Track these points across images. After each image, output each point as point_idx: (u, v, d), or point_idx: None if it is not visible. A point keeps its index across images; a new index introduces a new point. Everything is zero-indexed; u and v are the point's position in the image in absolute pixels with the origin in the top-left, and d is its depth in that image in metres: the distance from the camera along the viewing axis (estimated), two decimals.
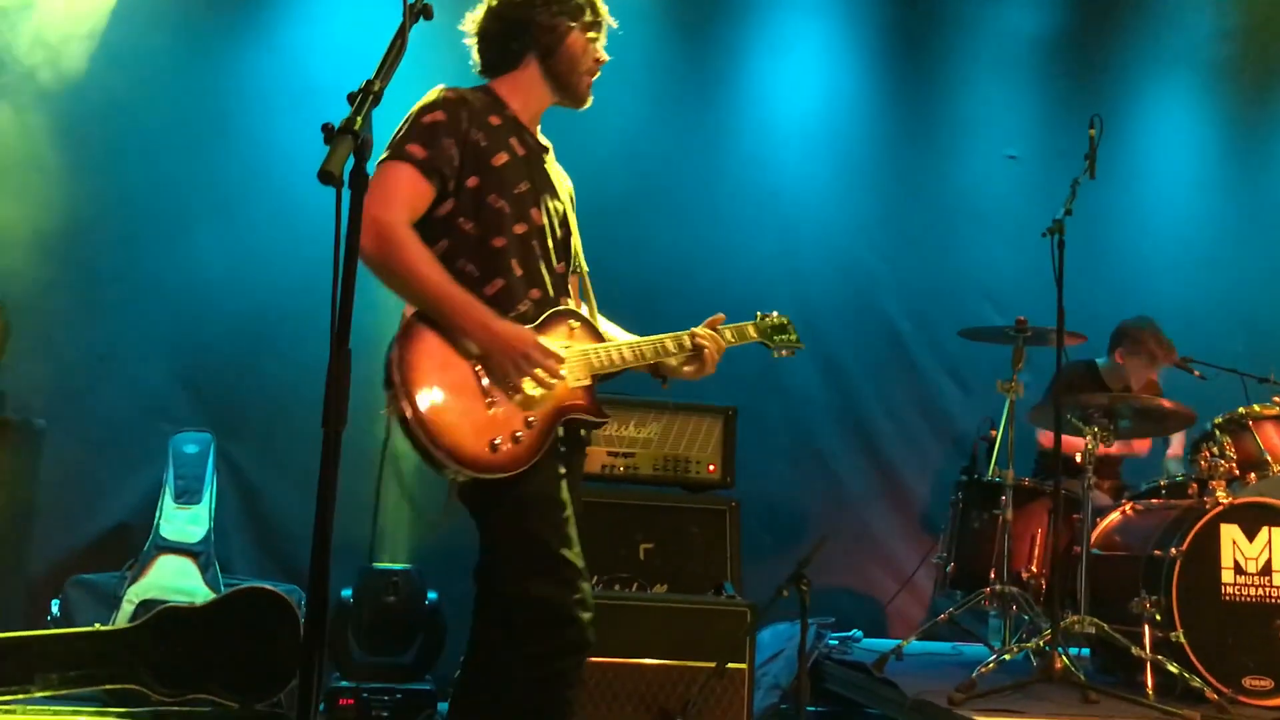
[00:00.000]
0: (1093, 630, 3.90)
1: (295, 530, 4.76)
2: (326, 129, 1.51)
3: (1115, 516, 4.40)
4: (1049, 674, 3.69)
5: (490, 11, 2.54)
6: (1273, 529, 3.91)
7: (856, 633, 5.17)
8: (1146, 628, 3.82)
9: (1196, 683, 3.67)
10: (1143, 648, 3.78)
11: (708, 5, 5.85)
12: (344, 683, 4.03)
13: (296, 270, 4.78)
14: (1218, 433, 4.30)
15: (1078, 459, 4.15)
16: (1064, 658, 3.70)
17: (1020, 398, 4.46)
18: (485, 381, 2.31)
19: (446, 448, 2.21)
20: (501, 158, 2.42)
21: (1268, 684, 3.79)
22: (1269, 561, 3.89)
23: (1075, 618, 3.92)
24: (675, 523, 3.98)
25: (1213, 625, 3.82)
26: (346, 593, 4.23)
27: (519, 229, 2.44)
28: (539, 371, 2.35)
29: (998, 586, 4.31)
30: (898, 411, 5.83)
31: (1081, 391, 4.73)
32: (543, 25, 2.49)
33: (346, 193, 1.52)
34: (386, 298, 2.36)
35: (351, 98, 1.57)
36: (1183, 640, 3.76)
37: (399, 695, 4.00)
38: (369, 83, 1.60)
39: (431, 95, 2.42)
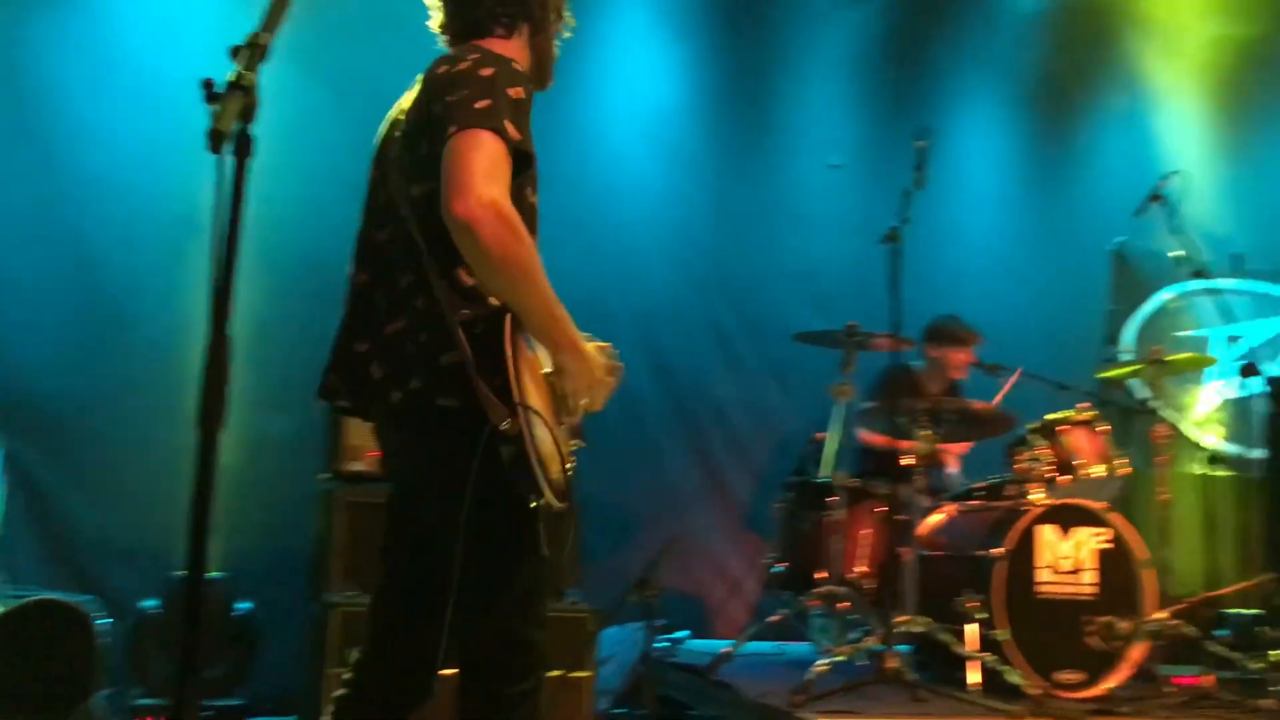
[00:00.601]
0: (921, 630, 3.99)
1: (90, 537, 4.41)
2: (208, 85, 1.32)
3: (939, 517, 4.54)
4: (882, 674, 3.75)
5: None
6: (1083, 529, 4.10)
7: (684, 634, 5.16)
8: (971, 627, 3.94)
9: (1017, 678, 3.81)
10: (965, 644, 3.90)
11: None
12: (147, 700, 3.72)
13: (87, 263, 4.43)
14: (1031, 437, 4.47)
15: (903, 461, 4.25)
16: (897, 657, 3.77)
17: (851, 401, 4.53)
18: (552, 402, 2.15)
19: (550, 475, 1.99)
20: (531, 146, 2.19)
21: (1080, 677, 3.97)
22: (1080, 561, 4.08)
23: (905, 617, 4.01)
24: (375, 519, 3.82)
25: (1030, 622, 3.96)
26: (151, 603, 3.91)
27: (534, 226, 2.24)
28: (601, 396, 2.23)
29: (827, 587, 4.36)
30: (726, 413, 5.88)
31: (904, 394, 4.86)
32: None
33: (232, 159, 1.32)
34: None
35: (236, 51, 1.38)
36: (1005, 638, 3.88)
37: (209, 712, 3.73)
38: (255, 35, 1.41)
39: (505, 63, 2.16)
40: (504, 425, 1.91)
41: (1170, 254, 5.93)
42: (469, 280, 2.07)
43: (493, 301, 2.06)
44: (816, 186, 6.19)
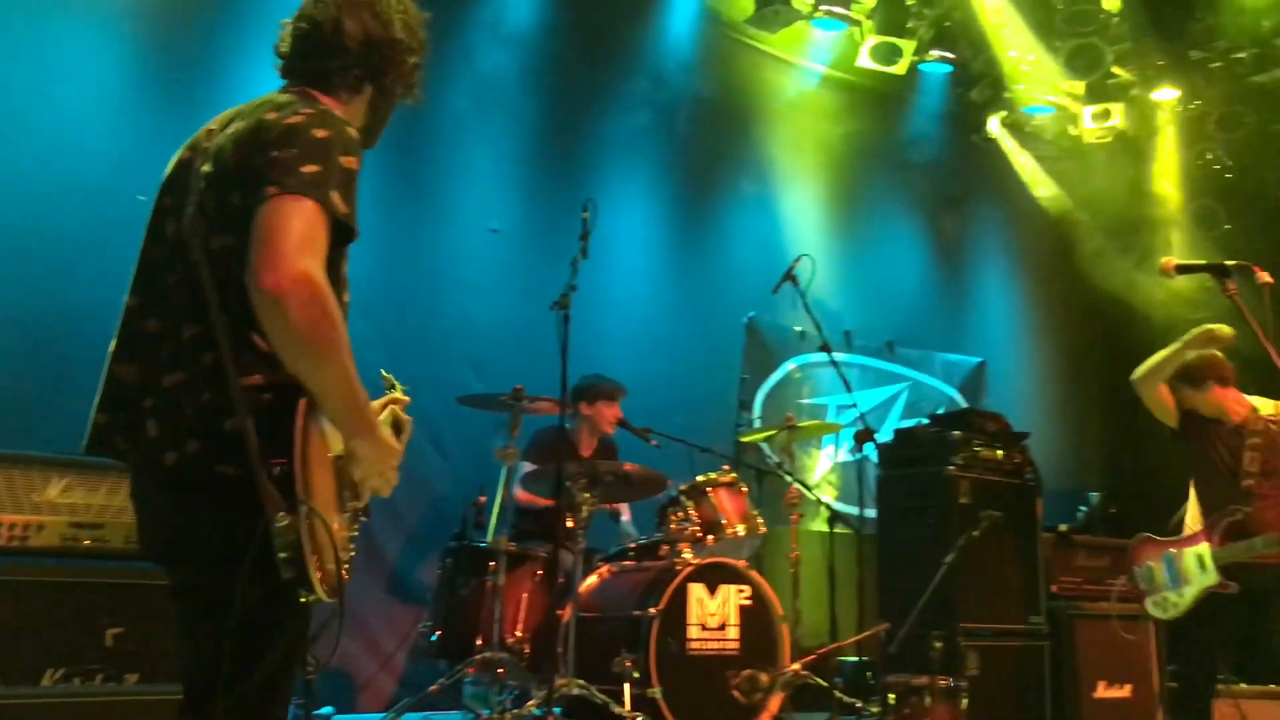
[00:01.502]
0: (578, 691, 4.04)
1: None
2: None
3: (593, 579, 4.62)
4: None
5: (361, 24, 2.16)
6: (728, 586, 4.34)
7: (327, 710, 4.91)
8: (626, 686, 4.03)
9: None
10: (622, 705, 3.99)
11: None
12: None
13: None
14: (682, 498, 4.69)
15: (569, 523, 4.31)
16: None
17: (516, 464, 4.55)
18: (338, 488, 1.97)
19: (324, 566, 1.83)
20: (355, 220, 2.00)
21: None
22: (726, 617, 4.30)
23: (562, 680, 4.04)
24: (151, 602, 3.49)
25: (682, 679, 4.12)
26: None
27: (346, 298, 2.08)
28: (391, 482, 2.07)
29: (486, 653, 4.32)
30: None
31: (561, 456, 4.95)
32: (399, 68, 2.21)
33: None
34: None
35: None
36: (658, 696, 4.00)
37: None
38: None
39: (342, 126, 1.97)
40: (281, 523, 1.79)
41: (796, 328, 6.45)
42: (263, 344, 1.91)
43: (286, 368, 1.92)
44: (478, 251, 6.22)
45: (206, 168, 2.02)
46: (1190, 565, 4.71)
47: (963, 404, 7.78)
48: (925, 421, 6.02)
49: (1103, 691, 5.60)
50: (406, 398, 2.37)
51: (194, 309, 1.95)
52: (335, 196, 1.91)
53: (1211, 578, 4.60)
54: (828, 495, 7.13)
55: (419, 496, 5.75)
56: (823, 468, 7.24)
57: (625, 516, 5.71)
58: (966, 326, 8.36)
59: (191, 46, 5.36)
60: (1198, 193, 8.50)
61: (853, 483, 7.03)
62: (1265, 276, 3.14)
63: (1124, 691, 5.67)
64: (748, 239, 7.23)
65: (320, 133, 1.96)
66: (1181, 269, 3.28)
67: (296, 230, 1.84)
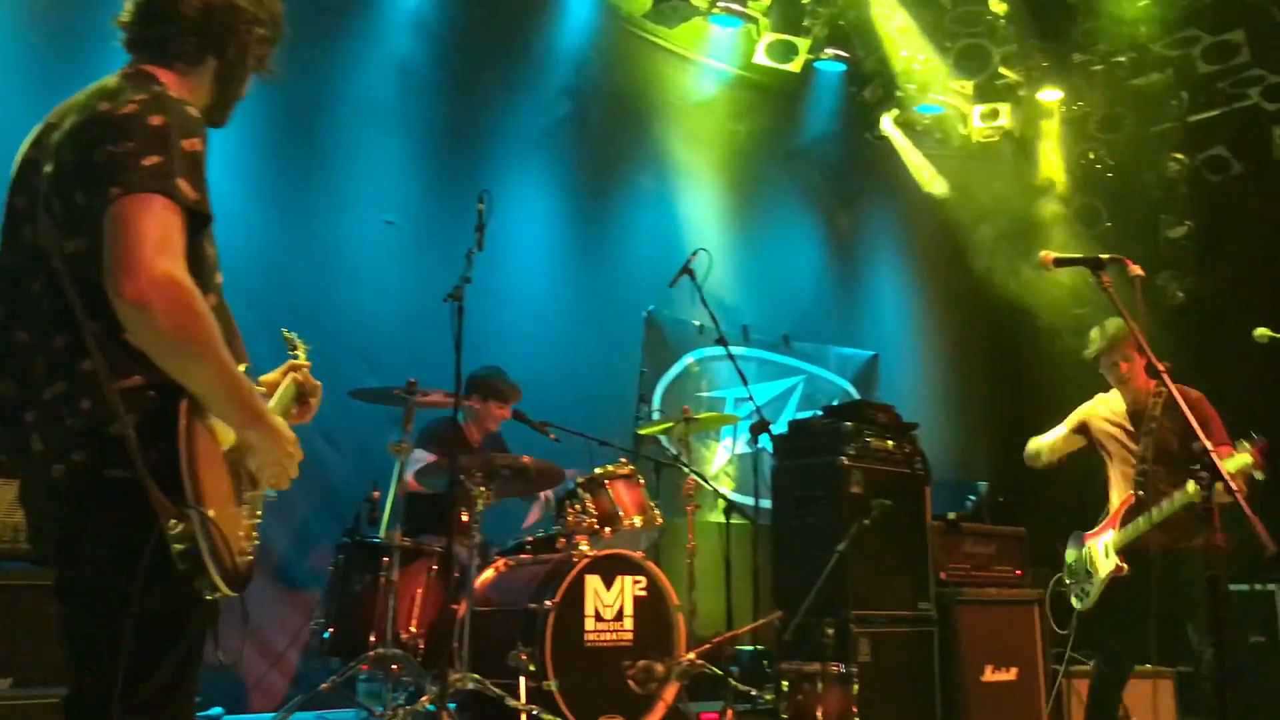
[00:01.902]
0: (473, 686, 4.01)
1: None
2: None
3: (489, 573, 4.60)
4: None
5: None
6: (626, 578, 4.35)
7: (217, 710, 4.80)
8: (522, 679, 4.02)
9: None
10: (518, 699, 3.97)
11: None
12: None
13: None
14: (580, 491, 4.69)
15: (464, 517, 4.28)
16: (450, 716, 3.75)
17: (410, 458, 4.49)
18: (234, 481, 1.93)
19: (224, 563, 1.81)
20: (208, 204, 1.95)
21: None
22: (622, 608, 4.32)
23: (457, 675, 4.01)
24: (24, 604, 3.37)
25: (578, 671, 4.12)
26: None
27: (218, 279, 2.04)
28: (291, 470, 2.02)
29: (380, 650, 4.26)
30: None
31: (453, 448, 4.91)
32: (241, 37, 2.14)
33: None
34: None
35: None
36: (553, 688, 4.00)
37: None
38: None
39: (179, 108, 1.90)
40: (174, 529, 1.77)
41: (695, 322, 6.49)
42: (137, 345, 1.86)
43: None
44: (373, 243, 6.13)
45: (49, 168, 1.96)
46: (1097, 554, 4.89)
47: (856, 396, 7.92)
48: (819, 414, 6.11)
49: (990, 675, 5.76)
50: (307, 361, 2.34)
51: (62, 317, 1.89)
52: (183, 185, 1.87)
53: (1112, 562, 4.78)
54: (725, 487, 7.20)
55: (311, 491, 5.64)
56: (721, 460, 7.31)
57: (534, 516, 5.70)
58: (860, 320, 8.53)
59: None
60: (1080, 191, 8.79)
61: (749, 474, 7.12)
62: (1136, 269, 3.28)
63: (1010, 674, 5.85)
64: (647, 234, 7.25)
65: (156, 119, 1.90)
66: (1059, 262, 3.40)
67: (150, 231, 1.80)
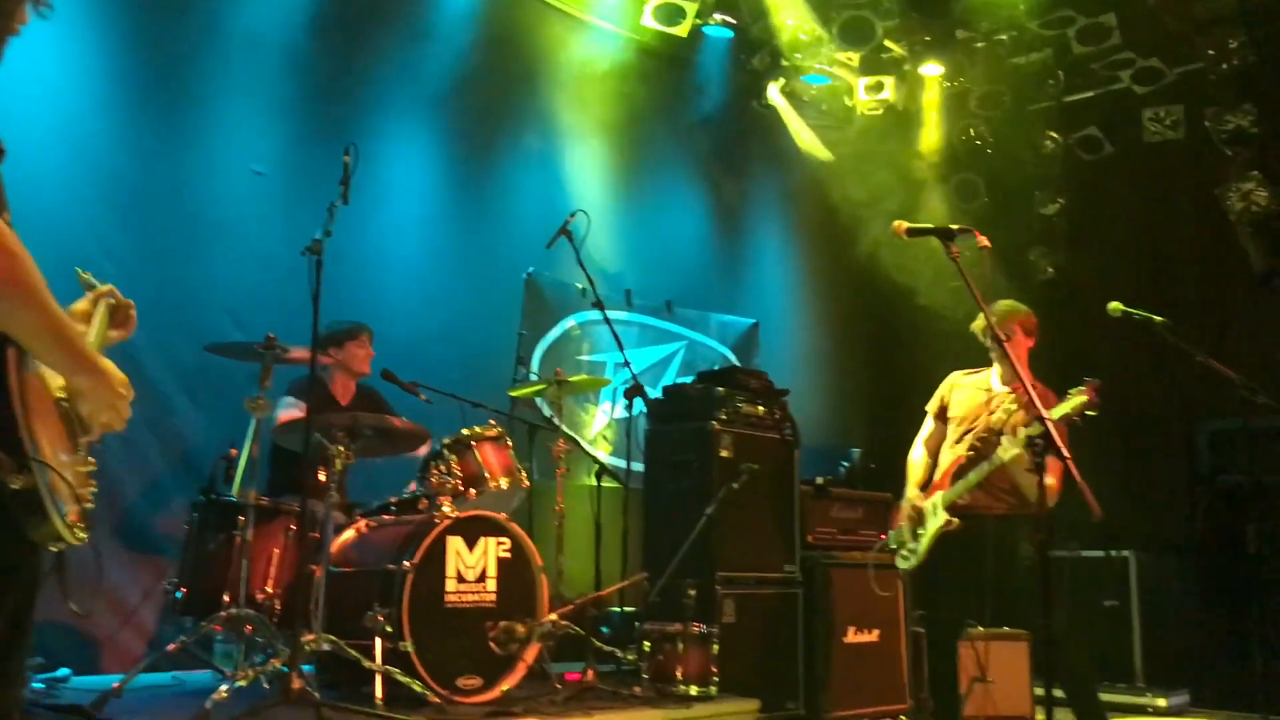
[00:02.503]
0: (328, 647, 3.96)
1: None
2: None
3: (350, 534, 4.54)
4: (286, 695, 3.66)
5: None
6: (489, 539, 4.33)
7: (65, 671, 4.66)
8: (378, 640, 3.98)
9: (419, 688, 3.91)
10: (373, 659, 3.93)
11: None
12: None
13: None
14: (446, 452, 4.65)
15: (322, 478, 4.21)
16: (301, 678, 3.70)
17: (267, 416, 4.39)
18: (67, 428, 1.86)
19: (66, 513, 1.77)
20: None
21: (478, 682, 4.17)
22: (485, 569, 4.30)
23: (311, 636, 3.95)
24: None
25: (438, 632, 4.09)
26: None
27: (6, 216, 1.89)
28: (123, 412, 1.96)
29: (233, 610, 4.18)
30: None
31: (318, 406, 4.83)
32: None
33: None
34: None
35: None
36: (410, 649, 3.97)
37: None
38: None
39: None
40: (15, 484, 1.73)
41: (577, 285, 6.46)
42: None
43: None
44: (240, 195, 5.94)
45: None
46: (927, 512, 5.02)
47: (736, 363, 8.00)
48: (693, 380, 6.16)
49: (852, 636, 5.91)
50: (109, 285, 2.26)
51: None
52: None
53: (940, 518, 4.91)
54: (603, 451, 7.22)
55: (170, 448, 5.50)
56: (600, 423, 7.32)
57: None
58: (742, 288, 8.59)
59: None
60: (960, 166, 8.97)
61: (626, 438, 7.15)
62: (984, 241, 3.36)
63: (872, 636, 6.00)
64: (530, 194, 7.17)
65: None
66: (911, 232, 3.46)
67: None
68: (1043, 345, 8.66)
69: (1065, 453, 3.30)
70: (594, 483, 5.63)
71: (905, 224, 3.43)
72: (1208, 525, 7.66)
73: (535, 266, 6.96)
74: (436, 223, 6.86)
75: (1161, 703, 7.07)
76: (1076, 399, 4.46)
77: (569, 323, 7.23)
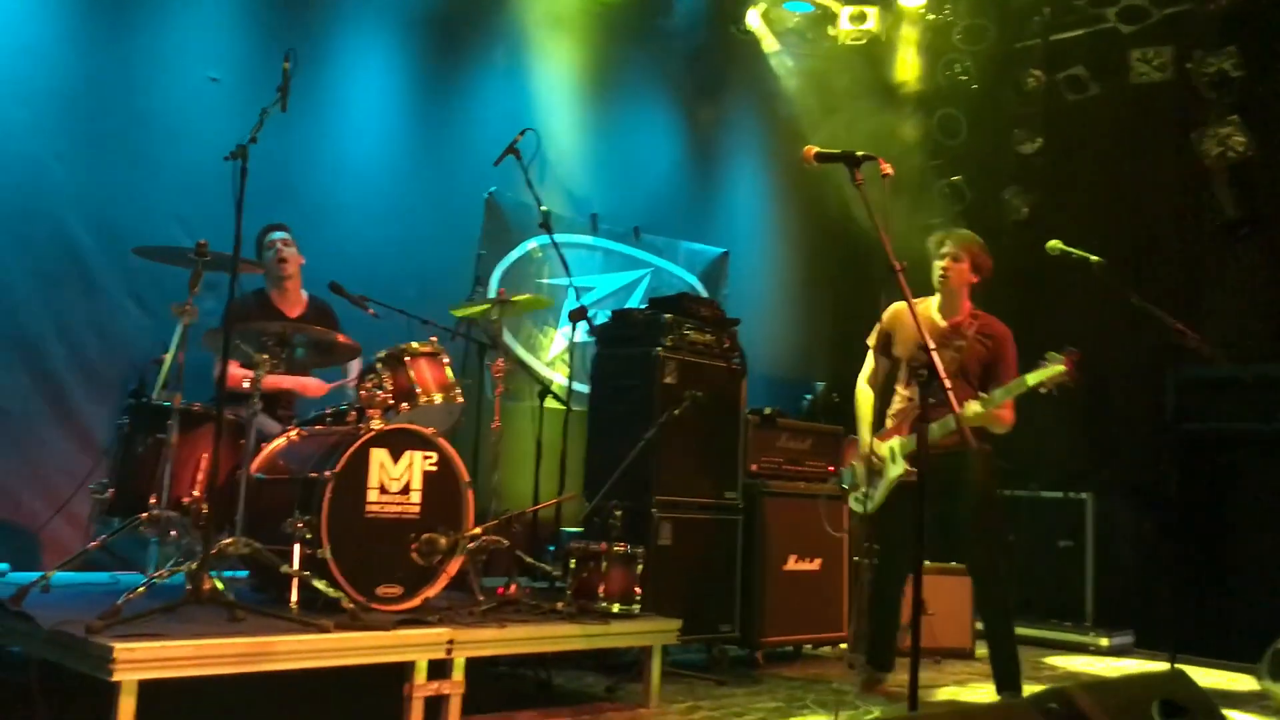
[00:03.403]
0: (247, 551, 4.02)
1: None
2: None
3: (280, 442, 4.59)
4: (198, 596, 3.72)
5: None
6: (414, 453, 4.36)
7: (3, 566, 4.77)
8: (297, 546, 4.03)
9: (335, 594, 3.97)
10: (291, 565, 3.99)
11: None
12: None
13: None
14: (379, 366, 4.67)
15: (245, 386, 4.24)
16: (214, 579, 3.76)
17: (195, 321, 4.40)
18: None
19: None
20: None
21: (398, 591, 4.23)
22: (409, 482, 4.33)
23: (230, 540, 4.01)
24: None
25: (356, 541, 4.14)
26: None
27: None
28: None
29: (155, 511, 4.24)
30: (72, 331, 5.44)
31: (255, 317, 4.85)
32: None
33: None
34: None
35: None
36: (327, 556, 4.02)
37: None
38: None
39: None
40: None
41: (541, 207, 6.40)
42: None
43: None
44: (194, 100, 5.89)
45: None
46: (886, 457, 5.04)
47: (703, 292, 7.98)
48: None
49: (793, 564, 5.99)
50: None
51: None
52: None
53: (900, 467, 4.94)
54: (561, 374, 7.24)
55: (118, 354, 5.54)
56: (558, 347, 7.33)
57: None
58: (712, 217, 8.52)
59: None
60: (942, 101, 8.85)
61: (581, 362, 7.17)
62: (887, 168, 3.34)
63: (814, 565, 6.09)
64: (495, 111, 7.06)
65: None
66: (819, 157, 3.45)
67: None
68: (1014, 287, 8.67)
69: (947, 383, 3.32)
70: (537, 403, 5.66)
71: (814, 149, 3.42)
72: (1170, 472, 7.70)
73: (497, 186, 6.91)
74: (398, 137, 6.80)
75: (1104, 642, 7.17)
76: (1053, 369, 4.45)
77: (530, 244, 7.19)
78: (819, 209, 8.52)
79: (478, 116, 7.03)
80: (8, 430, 5.18)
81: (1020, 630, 7.45)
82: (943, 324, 5.03)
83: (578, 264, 7.56)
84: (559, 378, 7.17)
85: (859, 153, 3.24)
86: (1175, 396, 7.66)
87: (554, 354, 7.30)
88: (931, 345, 3.42)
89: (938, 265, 5.03)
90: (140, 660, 3.26)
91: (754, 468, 6.01)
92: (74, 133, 5.46)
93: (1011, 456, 8.28)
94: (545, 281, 7.27)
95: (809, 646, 6.32)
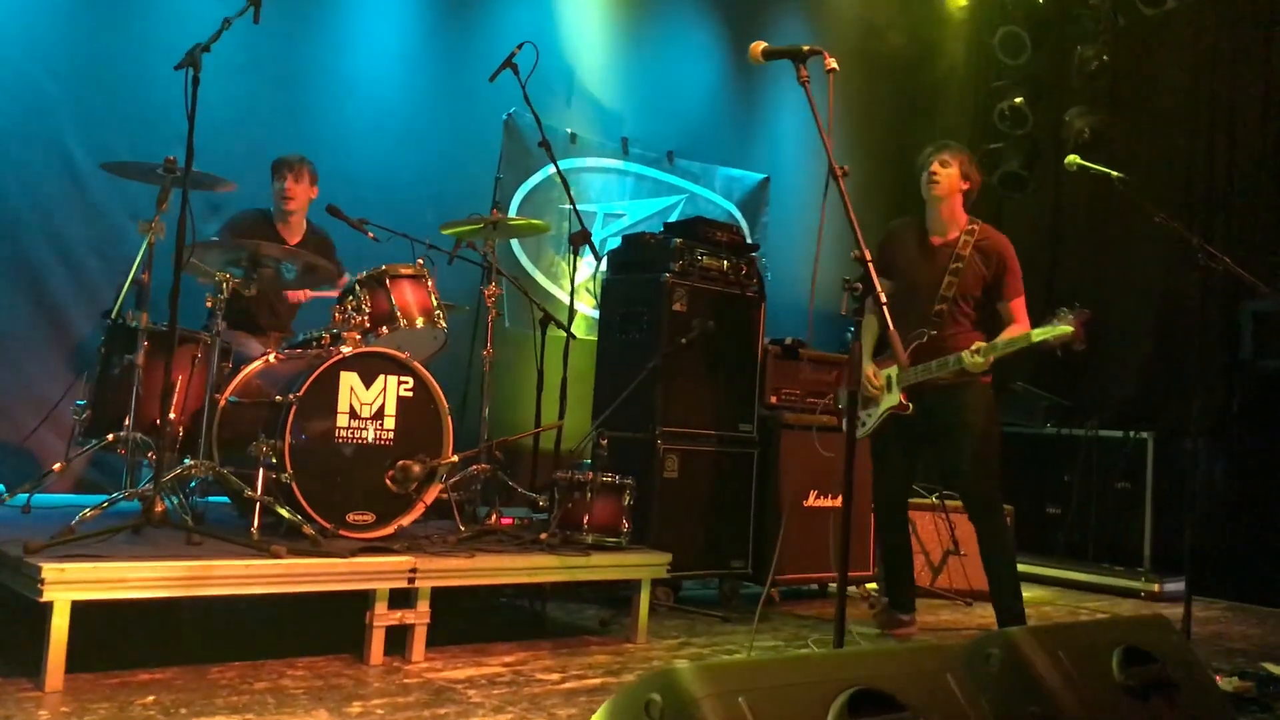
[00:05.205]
0: (210, 475, 3.93)
1: None
2: None
3: (258, 364, 4.48)
4: (148, 517, 3.64)
5: None
6: (389, 377, 4.21)
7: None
8: (262, 471, 3.93)
9: (296, 519, 3.86)
10: (255, 490, 3.89)
11: None
12: None
13: None
14: (358, 288, 4.52)
15: (208, 303, 4.14)
16: (165, 502, 3.67)
17: (161, 239, 4.29)
18: None
19: None
20: None
21: (369, 518, 4.11)
22: (382, 407, 4.19)
23: (194, 463, 3.93)
24: None
25: (324, 466, 4.02)
26: None
27: None
28: None
29: (131, 432, 4.17)
30: (72, 252, 5.41)
31: (251, 236, 4.75)
32: None
33: None
34: None
35: None
36: (290, 481, 3.91)
37: None
38: None
39: None
40: None
41: (567, 130, 6.17)
42: None
43: None
44: (195, 22, 5.73)
45: None
46: (881, 385, 4.79)
47: (741, 221, 7.67)
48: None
49: (814, 500, 5.74)
50: None
51: None
52: None
53: (894, 397, 4.70)
54: (586, 304, 7.03)
55: (119, 276, 5.46)
56: (583, 274, 7.11)
57: None
58: (753, 140, 8.15)
59: None
60: (1006, 19, 8.33)
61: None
62: (831, 63, 3.07)
63: (835, 502, 5.81)
64: (519, 29, 6.70)
65: None
66: (766, 54, 3.20)
67: None
68: (1075, 215, 8.15)
69: (882, 298, 3.12)
70: (537, 331, 5.46)
71: (762, 45, 3.16)
72: (1243, 411, 7.24)
73: (516, 107, 6.67)
74: (416, 57, 6.60)
75: (1155, 588, 6.80)
76: (1061, 329, 4.21)
77: (552, 168, 6.94)
78: (870, 133, 8.10)
79: (498, 31, 6.74)
80: (7, 352, 5.18)
81: (1070, 574, 7.21)
82: (920, 237, 4.80)
83: (606, 190, 7.32)
84: (584, 307, 6.96)
85: (805, 47, 2.98)
86: (1252, 332, 7.18)
87: (579, 281, 7.08)
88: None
89: (926, 174, 4.76)
90: (71, 581, 3.18)
91: (773, 399, 5.75)
92: (73, 52, 5.38)
93: (1071, 393, 7.91)
94: (567, 206, 7.03)
95: (834, 585, 6.07)
